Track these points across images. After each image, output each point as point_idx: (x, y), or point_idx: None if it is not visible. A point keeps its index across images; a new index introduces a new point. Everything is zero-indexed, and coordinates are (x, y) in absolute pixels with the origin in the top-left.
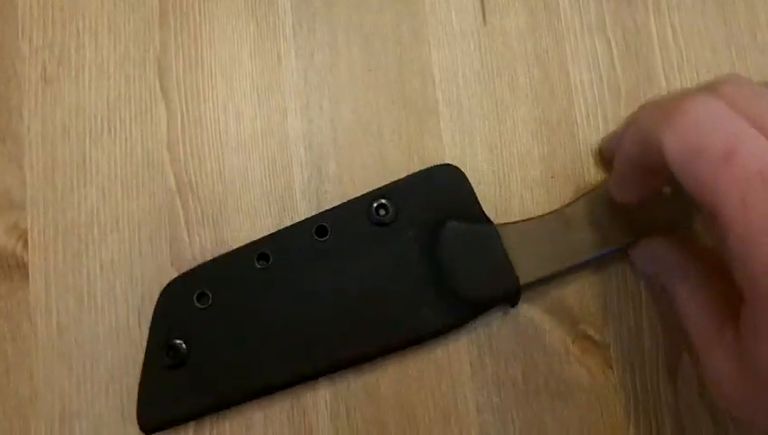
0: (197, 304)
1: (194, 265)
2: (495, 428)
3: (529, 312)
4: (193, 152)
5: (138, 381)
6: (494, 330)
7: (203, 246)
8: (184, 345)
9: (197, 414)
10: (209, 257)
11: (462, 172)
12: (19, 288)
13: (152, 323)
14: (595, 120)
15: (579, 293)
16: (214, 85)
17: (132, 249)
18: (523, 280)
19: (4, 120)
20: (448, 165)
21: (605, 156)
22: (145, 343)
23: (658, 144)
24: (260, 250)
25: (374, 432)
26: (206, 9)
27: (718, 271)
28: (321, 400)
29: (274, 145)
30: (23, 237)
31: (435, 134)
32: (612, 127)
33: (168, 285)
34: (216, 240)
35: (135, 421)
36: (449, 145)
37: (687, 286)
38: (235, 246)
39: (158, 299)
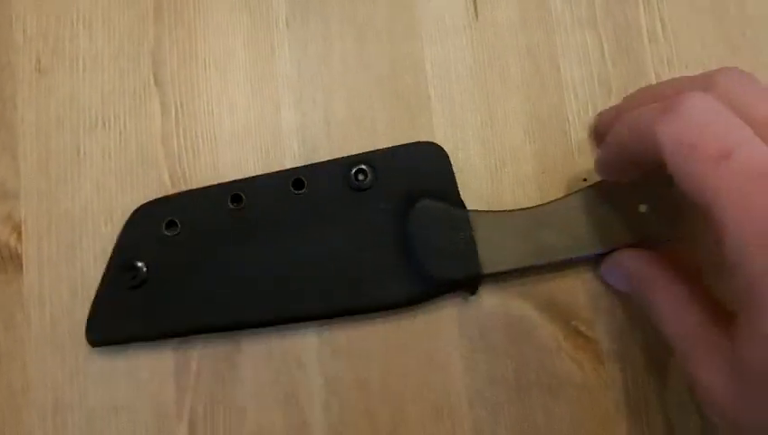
0: (165, 232)
1: None
2: (488, 423)
3: (521, 307)
4: (187, 145)
5: None
6: (486, 325)
7: None
8: (145, 269)
9: (146, 338)
10: None
11: (445, 152)
12: (13, 279)
13: (117, 242)
14: (586, 117)
15: (570, 289)
16: (208, 78)
17: None
18: (485, 269)
19: None
20: (434, 143)
21: (599, 131)
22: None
23: (653, 138)
24: (234, 191)
25: (366, 425)
26: (201, 3)
27: (698, 277)
28: (314, 393)
29: (268, 138)
30: (16, 228)
31: (427, 129)
32: None
33: (139, 208)
34: None
35: None
36: (441, 140)
37: (669, 296)
38: None
39: (127, 221)
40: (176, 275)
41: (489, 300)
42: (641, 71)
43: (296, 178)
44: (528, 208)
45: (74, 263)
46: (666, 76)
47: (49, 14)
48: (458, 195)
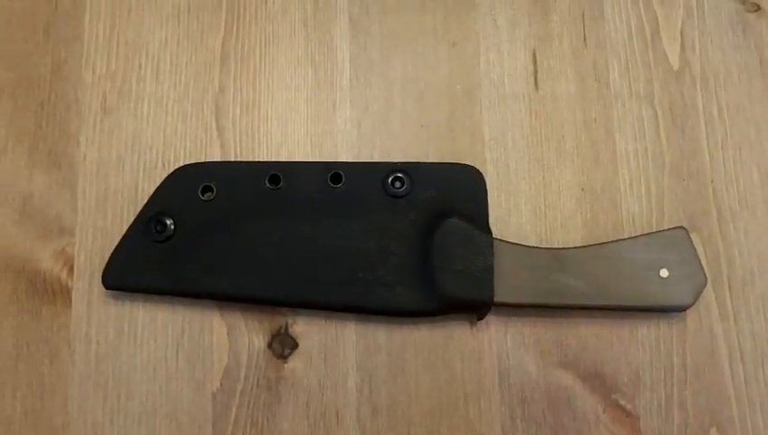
0: (200, 195)
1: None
2: None
3: (563, 377)
4: None
5: None
6: (526, 393)
7: None
8: (172, 226)
9: (160, 291)
10: None
11: (483, 178)
12: (61, 314)
13: (152, 195)
14: (638, 190)
15: (613, 361)
16: (268, 128)
17: None
18: (498, 298)
19: (62, 147)
20: (472, 167)
21: None
22: (183, 379)
23: None
24: (273, 171)
25: None
26: (267, 54)
27: None
28: None
29: None
30: (68, 263)
31: None
32: (654, 197)
33: (181, 167)
34: None
35: None
36: (494, 204)
37: None
38: None
39: (167, 177)
40: (200, 237)
41: (531, 368)
42: (695, 149)
43: (335, 173)
44: (552, 249)
45: (123, 303)
46: (719, 157)
47: (119, 56)
48: (487, 221)
